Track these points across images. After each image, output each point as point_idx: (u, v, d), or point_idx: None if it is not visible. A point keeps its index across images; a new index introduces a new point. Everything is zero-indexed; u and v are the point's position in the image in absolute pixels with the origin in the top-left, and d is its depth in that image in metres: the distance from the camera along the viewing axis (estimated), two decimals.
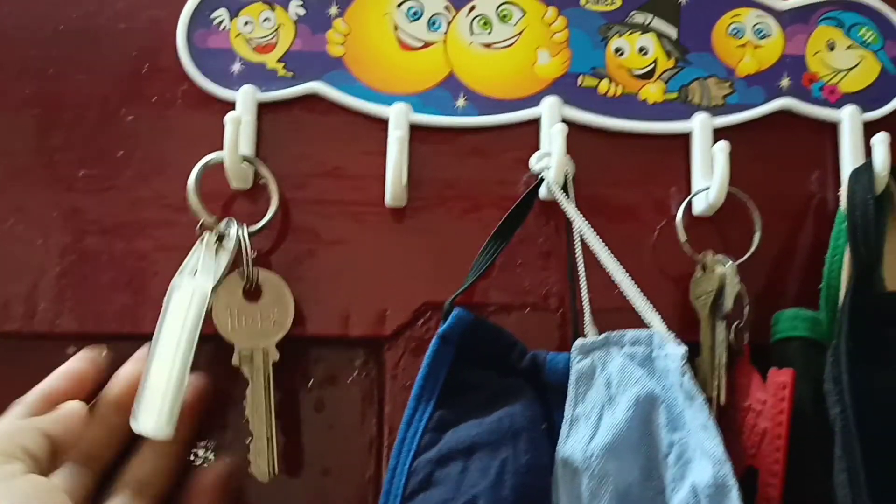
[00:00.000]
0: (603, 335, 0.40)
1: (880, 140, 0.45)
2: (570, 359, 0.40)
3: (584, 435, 0.37)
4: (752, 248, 0.45)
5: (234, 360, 0.42)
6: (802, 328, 0.43)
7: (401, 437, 0.39)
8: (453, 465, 0.37)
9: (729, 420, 0.42)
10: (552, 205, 0.45)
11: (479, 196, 0.47)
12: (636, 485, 0.36)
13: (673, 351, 0.39)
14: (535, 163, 0.45)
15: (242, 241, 0.42)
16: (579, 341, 0.40)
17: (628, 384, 0.39)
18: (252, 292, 0.43)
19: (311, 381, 0.46)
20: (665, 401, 0.38)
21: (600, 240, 0.41)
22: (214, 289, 0.42)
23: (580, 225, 0.42)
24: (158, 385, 0.39)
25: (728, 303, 0.43)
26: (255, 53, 0.46)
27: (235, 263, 0.43)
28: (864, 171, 0.44)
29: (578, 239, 0.43)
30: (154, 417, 0.39)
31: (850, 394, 0.39)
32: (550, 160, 0.44)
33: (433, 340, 0.40)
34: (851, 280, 0.42)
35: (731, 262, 0.43)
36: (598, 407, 0.38)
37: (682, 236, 0.46)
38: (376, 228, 0.46)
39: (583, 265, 0.43)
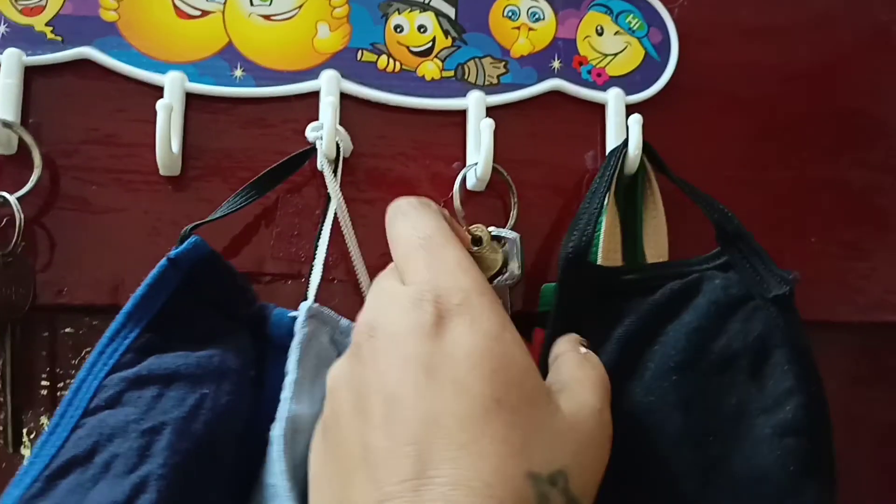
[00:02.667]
0: (317, 305, 0.41)
1: (634, 121, 0.48)
2: (300, 321, 0.40)
3: (306, 399, 0.38)
4: (511, 222, 0.48)
5: None
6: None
7: (98, 350, 0.37)
8: (149, 389, 0.36)
9: None
10: None
11: (257, 166, 0.47)
12: None
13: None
14: (309, 132, 0.46)
15: (16, 209, 0.42)
16: (305, 305, 0.40)
17: (329, 360, 0.39)
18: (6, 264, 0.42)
19: (85, 350, 0.46)
20: None
21: (349, 217, 0.43)
22: None
23: (335, 197, 0.43)
24: None
25: (515, 271, 0.44)
26: (21, 16, 0.45)
27: None
28: (615, 155, 0.48)
29: (332, 211, 0.44)
30: None
31: None
32: (322, 131, 0.45)
33: (161, 262, 0.39)
34: (562, 261, 0.43)
35: (517, 235, 0.45)
36: (310, 375, 0.39)
37: (458, 208, 0.48)
38: (150, 197, 0.46)
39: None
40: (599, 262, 0.47)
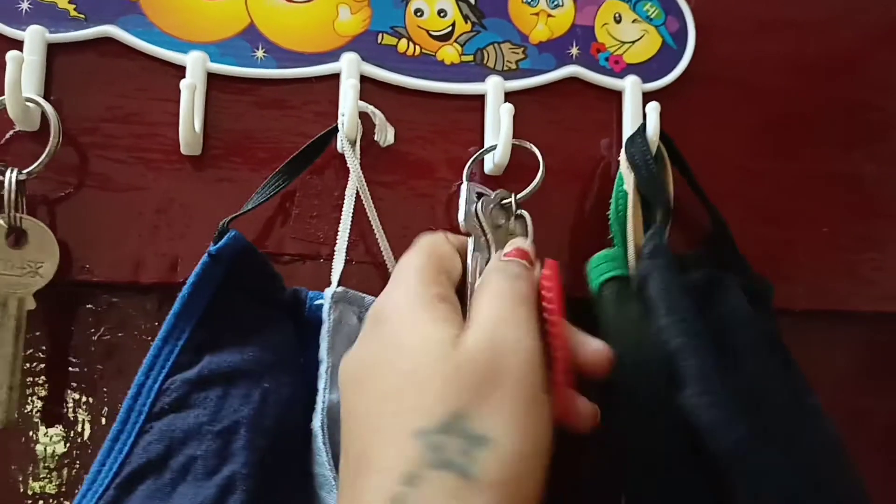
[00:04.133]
0: (342, 289, 0.41)
1: (652, 108, 0.48)
2: (326, 308, 0.40)
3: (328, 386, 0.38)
4: (535, 182, 0.46)
5: None
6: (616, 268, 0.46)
7: (153, 354, 0.37)
8: (213, 389, 0.36)
9: None
10: None
11: (278, 147, 0.47)
12: None
13: None
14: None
15: (9, 183, 0.42)
16: (330, 291, 0.41)
17: None
18: (16, 238, 0.42)
19: (103, 326, 0.46)
20: None
21: (370, 197, 0.44)
22: None
23: (357, 180, 0.43)
24: None
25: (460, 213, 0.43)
26: None
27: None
28: (638, 136, 0.48)
29: (353, 191, 0.44)
30: None
31: (691, 317, 0.40)
32: (345, 115, 0.45)
33: (203, 258, 0.39)
34: (660, 223, 0.45)
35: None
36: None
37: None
38: (171, 176, 0.46)
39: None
40: (630, 240, 0.47)
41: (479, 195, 0.43)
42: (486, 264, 0.39)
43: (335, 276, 0.42)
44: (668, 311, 0.40)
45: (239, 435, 0.35)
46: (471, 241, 0.40)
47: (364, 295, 0.42)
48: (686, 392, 0.37)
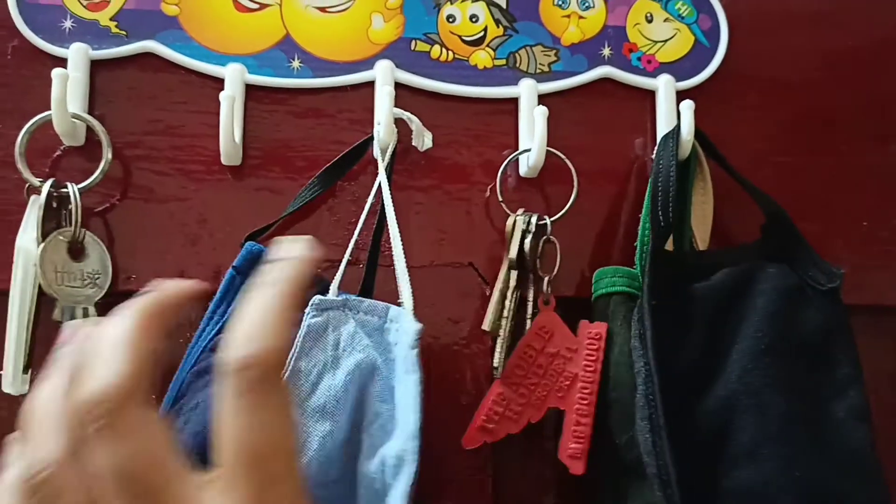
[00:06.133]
0: (342, 297, 0.42)
1: (686, 107, 0.48)
2: (305, 314, 0.41)
3: (303, 391, 0.39)
4: (568, 204, 0.48)
5: (56, 315, 0.42)
6: (621, 283, 0.47)
7: (187, 353, 0.41)
8: (204, 378, 0.40)
9: (525, 360, 0.45)
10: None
11: (315, 155, 0.48)
12: (337, 447, 0.39)
13: (408, 326, 0.41)
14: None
15: (74, 199, 0.43)
16: (316, 298, 0.41)
17: (354, 350, 0.41)
18: (77, 251, 0.44)
19: None
20: (383, 372, 0.41)
21: (392, 209, 0.45)
22: (44, 247, 0.42)
23: (383, 183, 0.44)
24: (8, 345, 0.42)
25: (512, 250, 0.45)
26: (87, 11, 0.46)
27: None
28: (671, 138, 0.48)
29: (371, 197, 0.45)
30: (8, 377, 0.42)
31: (653, 349, 0.42)
32: (381, 123, 0.46)
33: (228, 271, 0.42)
34: (650, 241, 0.45)
35: (520, 212, 0.46)
36: (319, 366, 0.40)
37: (500, 196, 0.48)
38: (212, 186, 0.47)
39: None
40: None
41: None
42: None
43: (335, 282, 0.43)
44: (638, 336, 0.43)
45: (196, 412, 0.38)
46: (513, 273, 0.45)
47: (389, 305, 0.43)
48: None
